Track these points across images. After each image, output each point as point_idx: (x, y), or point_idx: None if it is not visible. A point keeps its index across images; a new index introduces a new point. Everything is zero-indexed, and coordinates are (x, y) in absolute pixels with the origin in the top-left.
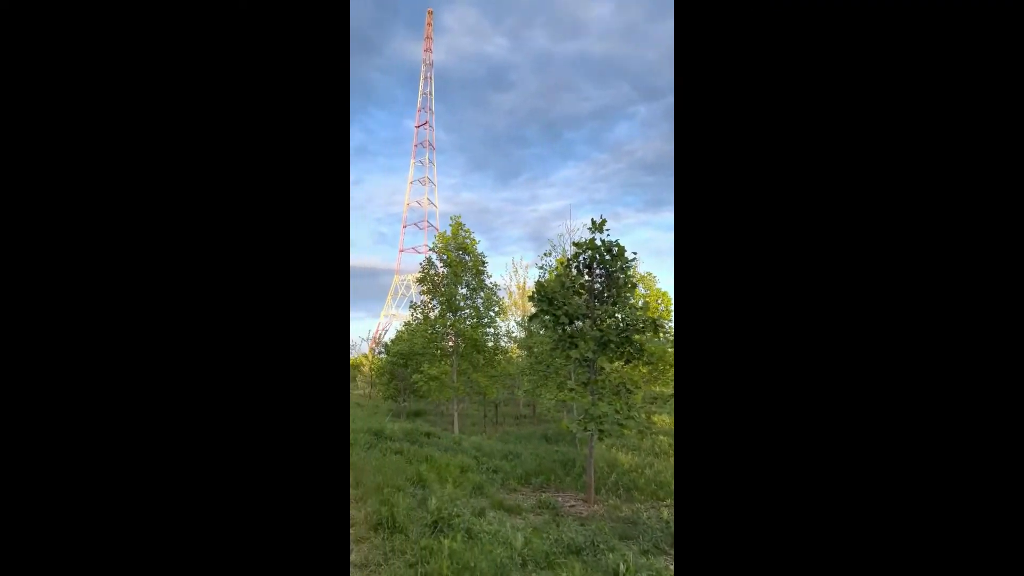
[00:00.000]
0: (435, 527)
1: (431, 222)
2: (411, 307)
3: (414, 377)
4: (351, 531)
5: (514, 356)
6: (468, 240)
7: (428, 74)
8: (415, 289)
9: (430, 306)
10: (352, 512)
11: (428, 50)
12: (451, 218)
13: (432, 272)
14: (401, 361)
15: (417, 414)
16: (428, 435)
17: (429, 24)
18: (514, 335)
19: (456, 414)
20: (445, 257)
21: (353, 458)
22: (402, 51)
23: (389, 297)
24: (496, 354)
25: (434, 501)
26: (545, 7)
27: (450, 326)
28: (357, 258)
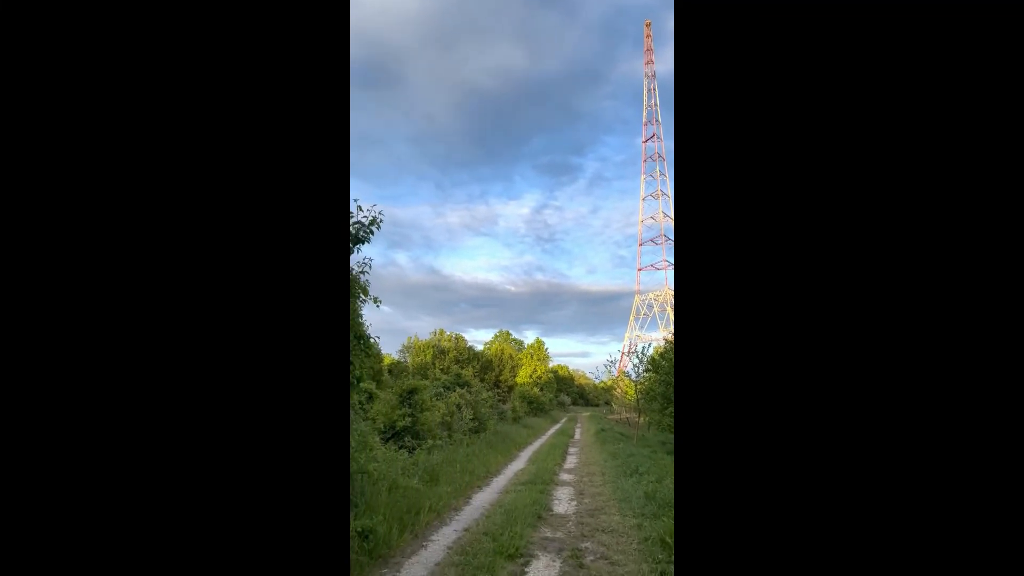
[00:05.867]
0: None
1: (668, 235)
2: None
3: None
4: None
5: None
6: None
7: (652, 86)
8: (657, 308)
9: None
10: None
11: (649, 62)
12: None
13: None
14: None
15: None
16: None
17: (648, 36)
18: None
19: None
20: None
21: None
22: (629, 72)
23: (631, 318)
24: None
25: None
26: None
27: None
28: (598, 284)
